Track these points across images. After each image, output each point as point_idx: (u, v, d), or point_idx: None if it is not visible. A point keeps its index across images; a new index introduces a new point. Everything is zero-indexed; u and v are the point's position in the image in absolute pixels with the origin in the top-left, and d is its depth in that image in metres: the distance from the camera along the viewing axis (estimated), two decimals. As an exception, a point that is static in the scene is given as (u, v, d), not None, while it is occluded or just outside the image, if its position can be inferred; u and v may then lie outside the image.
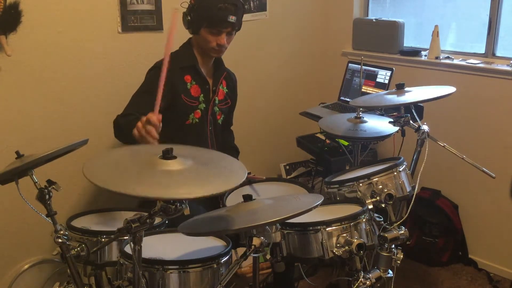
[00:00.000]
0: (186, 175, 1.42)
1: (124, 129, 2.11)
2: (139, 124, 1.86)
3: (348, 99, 3.17)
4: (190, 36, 2.43)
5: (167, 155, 1.46)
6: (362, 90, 3.10)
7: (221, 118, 2.54)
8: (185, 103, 2.35)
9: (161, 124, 1.89)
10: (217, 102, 2.49)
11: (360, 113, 2.40)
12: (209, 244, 1.77)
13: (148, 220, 1.42)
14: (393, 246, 2.00)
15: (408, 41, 3.41)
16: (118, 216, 2.09)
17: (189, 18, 2.30)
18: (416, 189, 2.07)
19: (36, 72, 2.49)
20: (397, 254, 2.00)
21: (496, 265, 3.08)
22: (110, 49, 2.71)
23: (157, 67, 2.38)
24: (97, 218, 2.08)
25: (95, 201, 2.68)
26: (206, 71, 2.46)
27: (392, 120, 2.29)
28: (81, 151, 1.87)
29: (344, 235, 1.76)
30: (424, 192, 3.22)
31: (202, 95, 2.41)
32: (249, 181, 2.34)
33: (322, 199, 1.58)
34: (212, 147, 2.48)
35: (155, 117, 1.84)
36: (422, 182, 2.41)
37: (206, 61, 2.45)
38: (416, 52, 3.29)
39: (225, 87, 2.54)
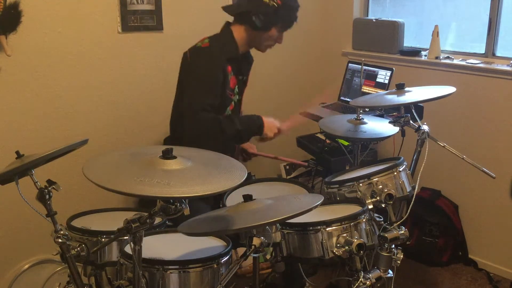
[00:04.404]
0: (186, 174, 1.42)
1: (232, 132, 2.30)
2: (276, 130, 2.41)
3: (348, 99, 3.17)
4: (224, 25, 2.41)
5: (167, 155, 1.46)
6: (362, 90, 3.10)
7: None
8: (228, 96, 2.34)
9: None
10: (243, 93, 2.50)
11: (360, 114, 2.40)
12: (209, 244, 1.77)
13: (148, 220, 1.42)
14: (393, 246, 2.00)
15: (408, 41, 3.41)
16: (118, 216, 2.08)
17: (272, 15, 2.29)
18: (416, 189, 2.07)
19: (36, 72, 2.50)
20: (397, 254, 2.00)
21: (496, 265, 3.08)
22: (110, 49, 2.71)
23: (212, 56, 2.29)
24: (97, 218, 2.08)
25: (95, 201, 2.68)
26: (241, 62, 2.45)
27: (392, 120, 2.29)
28: (81, 151, 1.87)
29: (344, 235, 1.76)
30: (424, 192, 3.22)
31: (237, 86, 2.40)
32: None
33: (322, 199, 1.58)
34: None
35: (285, 127, 2.45)
36: (422, 182, 2.42)
37: (242, 54, 2.43)
38: (416, 52, 3.29)
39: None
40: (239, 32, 2.34)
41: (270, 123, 2.38)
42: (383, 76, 3.07)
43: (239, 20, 2.34)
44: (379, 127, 2.36)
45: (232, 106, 2.38)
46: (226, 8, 2.37)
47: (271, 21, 2.30)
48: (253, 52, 2.50)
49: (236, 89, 2.39)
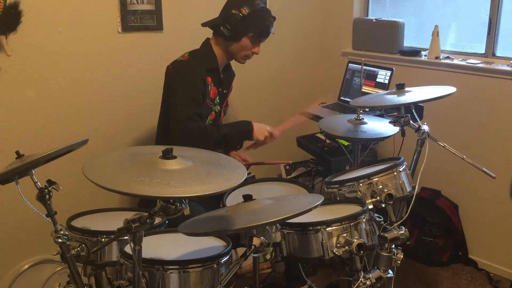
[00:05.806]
0: (186, 174, 1.42)
1: (218, 139, 2.35)
2: (267, 134, 2.44)
3: (348, 99, 3.17)
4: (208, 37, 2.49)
5: (167, 155, 1.46)
6: (362, 90, 3.10)
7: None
8: (208, 105, 2.41)
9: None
10: (225, 104, 2.57)
11: (360, 114, 2.40)
12: (209, 244, 1.77)
13: (148, 220, 1.42)
14: (393, 246, 2.00)
15: (408, 41, 3.41)
16: (118, 216, 2.09)
17: (239, 25, 2.35)
18: (416, 189, 2.07)
19: (36, 72, 2.50)
20: (397, 254, 2.00)
21: (496, 265, 3.08)
22: (110, 49, 2.71)
23: (192, 67, 2.37)
24: (97, 218, 2.08)
25: (95, 201, 2.68)
26: (222, 75, 2.53)
27: (392, 120, 2.29)
28: (81, 151, 1.87)
29: (344, 235, 1.76)
30: (424, 192, 3.22)
31: (218, 97, 2.47)
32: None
33: (322, 199, 1.58)
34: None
35: (277, 133, 2.48)
36: (422, 182, 2.41)
37: (222, 65, 2.51)
38: (416, 52, 3.29)
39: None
40: (216, 44, 2.46)
41: (260, 127, 2.44)
42: (383, 76, 3.07)
43: (215, 32, 2.45)
44: (379, 127, 2.36)
45: (212, 116, 2.46)
46: (203, 24, 2.46)
47: (239, 31, 2.37)
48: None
49: (217, 100, 2.47)
